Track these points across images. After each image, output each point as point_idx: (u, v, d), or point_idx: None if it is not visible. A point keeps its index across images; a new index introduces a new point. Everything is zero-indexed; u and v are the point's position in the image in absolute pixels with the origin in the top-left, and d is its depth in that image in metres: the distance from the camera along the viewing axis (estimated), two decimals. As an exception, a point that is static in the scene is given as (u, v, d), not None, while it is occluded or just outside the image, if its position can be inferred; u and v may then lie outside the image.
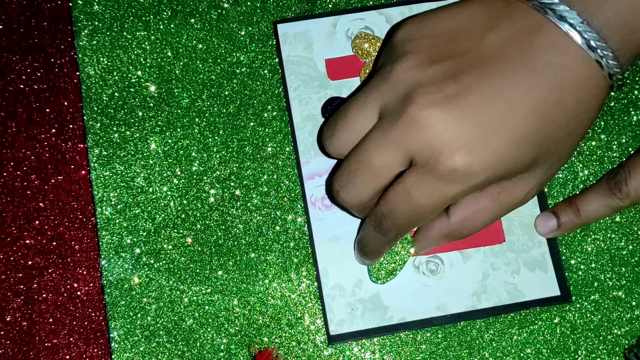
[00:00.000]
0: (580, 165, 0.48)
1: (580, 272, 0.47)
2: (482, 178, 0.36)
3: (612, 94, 0.48)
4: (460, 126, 0.35)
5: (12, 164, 0.49)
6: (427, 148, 0.35)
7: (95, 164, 0.47)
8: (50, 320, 0.47)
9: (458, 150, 0.35)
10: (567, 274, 0.46)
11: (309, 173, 0.47)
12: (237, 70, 0.49)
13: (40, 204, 0.48)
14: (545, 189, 0.47)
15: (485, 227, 0.41)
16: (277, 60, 0.49)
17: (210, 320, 0.46)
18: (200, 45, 0.49)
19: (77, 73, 0.49)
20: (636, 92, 0.49)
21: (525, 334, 0.46)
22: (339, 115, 0.40)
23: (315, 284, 0.46)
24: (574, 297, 0.46)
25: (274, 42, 0.49)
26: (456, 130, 0.35)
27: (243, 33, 0.49)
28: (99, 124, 0.48)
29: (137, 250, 0.46)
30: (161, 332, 0.46)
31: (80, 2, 0.49)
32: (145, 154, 0.47)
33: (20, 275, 0.48)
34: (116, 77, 0.48)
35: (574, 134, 0.37)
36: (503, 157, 0.35)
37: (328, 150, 0.41)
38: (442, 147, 0.35)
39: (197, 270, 0.46)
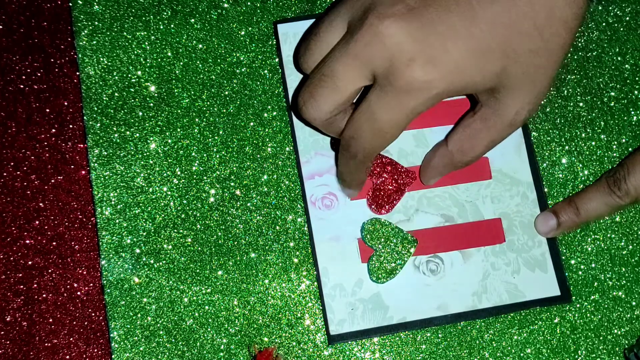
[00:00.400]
0: (580, 165, 0.48)
1: (580, 272, 0.47)
2: (441, 88, 0.35)
3: (612, 94, 0.48)
4: (419, 36, 0.34)
5: (12, 164, 0.49)
6: (387, 59, 0.35)
7: (95, 164, 0.47)
8: (50, 320, 0.47)
9: (416, 60, 0.34)
10: (567, 274, 0.46)
11: (309, 173, 0.47)
12: (237, 70, 0.49)
13: (40, 204, 0.48)
14: (546, 189, 0.47)
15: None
16: (277, 60, 0.49)
17: (210, 320, 0.46)
18: (200, 45, 0.49)
19: (77, 73, 0.49)
20: (636, 92, 0.49)
21: (525, 334, 0.46)
22: (311, 32, 0.40)
23: (315, 283, 0.46)
24: (574, 297, 0.46)
25: (274, 42, 0.49)
26: (415, 40, 0.34)
27: (243, 33, 0.49)
28: (99, 124, 0.48)
29: (137, 250, 0.46)
30: (161, 332, 0.45)
31: (80, 2, 0.49)
32: (145, 154, 0.47)
33: (20, 275, 0.48)
34: (116, 77, 0.48)
35: (551, 44, 0.36)
36: (464, 67, 0.35)
37: (302, 67, 0.41)
38: (401, 58, 0.35)
39: (197, 270, 0.46)
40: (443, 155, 0.42)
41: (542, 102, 0.39)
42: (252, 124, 0.48)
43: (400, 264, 0.45)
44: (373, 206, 0.46)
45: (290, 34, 0.48)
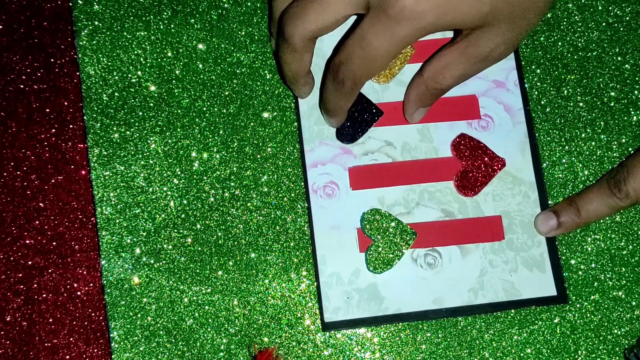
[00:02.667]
0: (580, 165, 0.48)
1: (580, 272, 0.47)
2: (431, 20, 0.38)
3: (612, 94, 0.48)
4: None
5: (12, 163, 0.49)
6: None
7: (95, 164, 0.47)
8: (50, 320, 0.47)
9: None
10: (567, 274, 0.46)
11: (312, 161, 0.47)
12: (238, 71, 0.49)
13: (40, 204, 0.48)
14: (546, 189, 0.47)
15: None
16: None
17: (210, 320, 0.46)
18: (200, 46, 0.49)
19: (78, 73, 0.49)
20: (636, 92, 0.49)
21: (525, 334, 0.46)
22: None
23: (315, 283, 0.46)
24: (574, 297, 0.46)
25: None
26: None
27: (243, 33, 0.49)
28: (99, 124, 0.48)
29: (137, 250, 0.46)
30: (161, 332, 0.45)
31: (80, 2, 0.49)
32: (145, 154, 0.47)
33: (20, 275, 0.48)
34: (116, 77, 0.48)
35: None
36: (455, 2, 0.38)
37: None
38: None
39: (197, 270, 0.46)
40: (418, 84, 0.44)
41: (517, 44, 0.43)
42: (252, 124, 0.48)
43: (398, 256, 0.45)
44: (460, 188, 0.46)
45: None
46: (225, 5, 0.49)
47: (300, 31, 0.40)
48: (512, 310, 0.46)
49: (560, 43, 0.49)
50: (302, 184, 0.47)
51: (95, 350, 0.47)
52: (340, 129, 0.47)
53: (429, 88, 0.43)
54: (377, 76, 0.47)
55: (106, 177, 0.47)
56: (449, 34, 0.49)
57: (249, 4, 0.49)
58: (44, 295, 0.47)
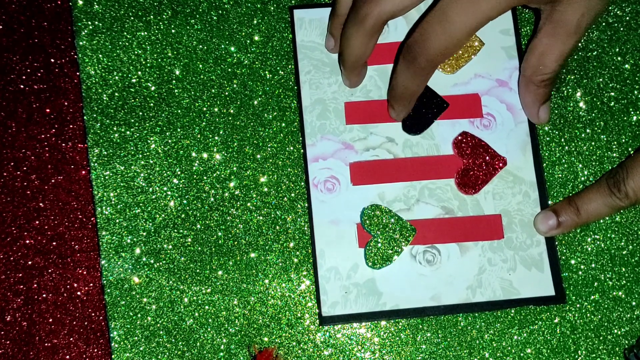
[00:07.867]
0: (580, 165, 0.48)
1: (580, 272, 0.47)
2: None
3: (612, 94, 0.49)
4: None
5: (12, 164, 0.49)
6: None
7: (95, 164, 0.47)
8: (50, 320, 0.47)
9: None
10: (567, 274, 0.46)
11: (314, 156, 0.47)
12: (238, 71, 0.49)
13: (40, 204, 0.48)
14: (546, 189, 0.47)
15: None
16: (277, 61, 0.49)
17: (210, 320, 0.46)
18: (200, 46, 0.49)
19: (78, 73, 0.49)
20: (636, 92, 0.49)
21: (525, 334, 0.46)
22: None
23: (314, 278, 0.46)
24: (573, 297, 0.46)
25: (274, 44, 0.49)
26: None
27: (243, 34, 0.49)
28: (99, 124, 0.48)
29: (137, 250, 0.46)
30: (161, 332, 0.45)
31: (80, 2, 0.49)
32: (145, 154, 0.48)
33: (20, 275, 0.48)
34: (116, 77, 0.48)
35: None
36: None
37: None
38: None
39: (197, 270, 0.46)
40: (526, 85, 0.44)
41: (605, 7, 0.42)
42: (252, 124, 0.48)
43: (396, 252, 0.45)
44: (460, 186, 0.46)
45: (306, 19, 0.49)
46: (226, 5, 0.49)
47: (377, 11, 0.40)
48: (512, 310, 0.46)
49: (560, 43, 0.49)
50: (302, 183, 0.47)
51: (95, 350, 0.47)
52: (406, 120, 0.47)
53: (537, 82, 0.44)
54: (442, 65, 0.47)
55: (106, 177, 0.47)
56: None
57: (249, 4, 0.50)
58: (44, 295, 0.47)
